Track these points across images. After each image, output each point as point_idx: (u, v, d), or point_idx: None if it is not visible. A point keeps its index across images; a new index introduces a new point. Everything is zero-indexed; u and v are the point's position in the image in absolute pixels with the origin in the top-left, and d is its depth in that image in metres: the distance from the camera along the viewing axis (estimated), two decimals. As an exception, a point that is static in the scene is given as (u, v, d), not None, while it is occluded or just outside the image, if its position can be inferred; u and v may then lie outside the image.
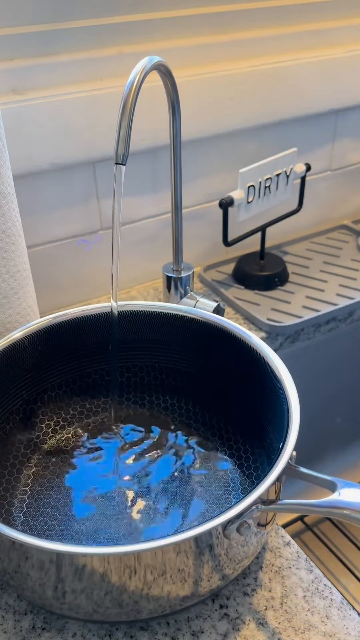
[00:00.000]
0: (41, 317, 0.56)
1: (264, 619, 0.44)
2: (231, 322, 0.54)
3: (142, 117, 0.69)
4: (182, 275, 0.65)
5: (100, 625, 0.44)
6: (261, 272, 0.83)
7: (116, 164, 0.47)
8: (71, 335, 0.56)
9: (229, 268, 0.87)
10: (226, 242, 0.77)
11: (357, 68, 0.84)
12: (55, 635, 0.43)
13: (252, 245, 0.85)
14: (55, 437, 0.56)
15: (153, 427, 0.57)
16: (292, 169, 0.79)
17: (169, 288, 0.66)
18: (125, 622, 0.43)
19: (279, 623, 0.44)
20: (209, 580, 0.41)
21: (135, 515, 0.49)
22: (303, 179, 0.83)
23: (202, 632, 0.43)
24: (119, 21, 0.68)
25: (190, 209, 0.82)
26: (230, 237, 0.78)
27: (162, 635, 0.43)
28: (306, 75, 0.81)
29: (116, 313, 0.53)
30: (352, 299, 0.80)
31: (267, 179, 0.76)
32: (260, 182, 0.75)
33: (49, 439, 0.56)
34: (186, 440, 0.56)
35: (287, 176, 0.79)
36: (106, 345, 0.57)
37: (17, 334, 0.52)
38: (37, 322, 0.54)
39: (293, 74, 0.80)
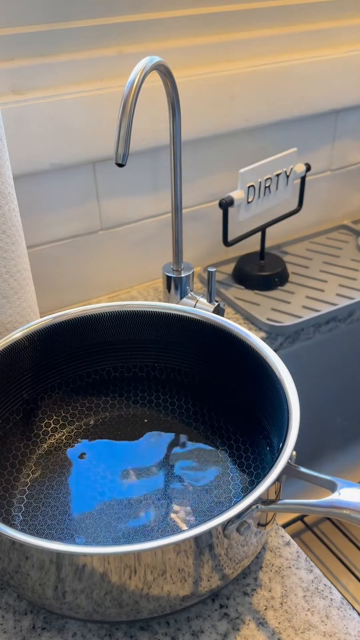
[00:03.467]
0: (41, 317, 0.56)
1: (264, 618, 0.44)
2: (231, 322, 0.54)
3: (142, 117, 0.70)
4: (182, 275, 0.65)
5: (101, 625, 0.44)
6: (261, 272, 0.83)
7: (116, 164, 0.47)
8: (71, 335, 0.56)
9: (229, 268, 0.87)
10: (226, 242, 0.77)
11: (357, 68, 0.84)
12: (55, 635, 0.43)
13: (252, 245, 0.85)
14: (55, 437, 0.56)
15: (153, 427, 0.57)
16: (292, 169, 0.79)
17: (169, 288, 0.66)
18: (125, 622, 0.43)
19: (279, 623, 0.44)
20: (209, 580, 0.41)
21: (135, 515, 0.49)
22: (303, 179, 0.83)
23: (202, 631, 0.43)
24: (119, 21, 0.68)
25: (190, 209, 0.82)
26: (230, 237, 0.78)
27: (162, 635, 0.43)
28: (306, 75, 0.81)
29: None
30: (352, 299, 0.80)
31: (267, 179, 0.76)
32: (260, 182, 0.75)
33: (49, 439, 0.56)
34: (186, 440, 0.56)
35: (287, 176, 0.79)
36: (106, 344, 0.58)
37: (17, 334, 0.52)
38: (37, 322, 0.54)
39: (293, 74, 0.80)
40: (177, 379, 0.59)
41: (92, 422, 0.58)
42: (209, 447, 0.55)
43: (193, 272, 0.66)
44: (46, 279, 0.75)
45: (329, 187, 0.95)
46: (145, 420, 0.58)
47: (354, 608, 0.45)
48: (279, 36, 0.79)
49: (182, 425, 0.57)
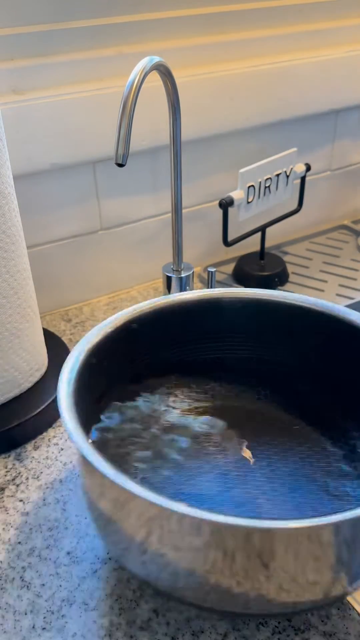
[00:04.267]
0: (41, 316, 0.56)
1: (263, 618, 0.44)
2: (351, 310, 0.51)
3: (142, 117, 0.70)
4: (182, 275, 0.65)
5: (100, 625, 0.44)
6: (261, 272, 0.83)
7: (116, 164, 0.47)
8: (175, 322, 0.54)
9: (229, 268, 0.87)
10: (226, 242, 0.77)
11: (357, 68, 0.85)
12: (55, 635, 0.43)
13: (252, 245, 0.85)
14: (176, 412, 0.54)
15: (262, 421, 0.55)
16: (292, 169, 0.79)
17: (169, 288, 0.66)
18: (127, 622, 0.43)
19: (279, 623, 0.44)
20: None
21: (261, 499, 0.47)
22: (303, 179, 0.83)
23: (202, 632, 0.43)
24: (119, 21, 0.68)
25: (190, 209, 0.82)
26: (230, 237, 0.78)
27: (162, 635, 0.43)
28: (306, 75, 0.81)
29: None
30: (352, 299, 0.80)
31: (267, 179, 0.76)
32: (260, 182, 0.75)
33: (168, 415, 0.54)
34: (298, 433, 0.54)
35: (287, 176, 0.79)
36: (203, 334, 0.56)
37: (125, 314, 0.51)
38: (147, 303, 0.52)
39: (293, 74, 0.80)
40: (281, 372, 0.56)
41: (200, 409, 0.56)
42: (324, 442, 0.53)
43: (193, 272, 0.66)
44: (46, 279, 0.75)
45: (329, 187, 0.95)
46: (251, 413, 0.56)
47: (353, 608, 0.45)
48: (279, 36, 0.79)
49: (290, 418, 0.55)
